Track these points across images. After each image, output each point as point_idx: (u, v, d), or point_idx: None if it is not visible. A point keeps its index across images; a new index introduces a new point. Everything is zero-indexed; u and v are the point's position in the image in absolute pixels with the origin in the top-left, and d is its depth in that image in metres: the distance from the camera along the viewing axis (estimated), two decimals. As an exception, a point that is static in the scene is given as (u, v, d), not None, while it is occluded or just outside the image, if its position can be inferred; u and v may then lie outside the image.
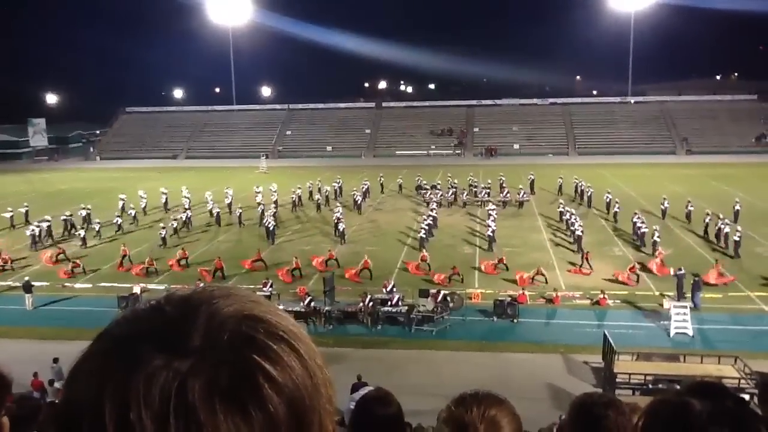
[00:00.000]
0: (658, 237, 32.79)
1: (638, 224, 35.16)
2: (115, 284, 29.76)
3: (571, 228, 35.46)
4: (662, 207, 40.72)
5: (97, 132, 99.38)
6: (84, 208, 43.33)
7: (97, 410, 0.75)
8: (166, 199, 47.20)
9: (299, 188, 48.52)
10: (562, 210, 40.03)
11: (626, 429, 2.33)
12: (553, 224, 39.98)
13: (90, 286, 30.51)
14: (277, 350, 0.82)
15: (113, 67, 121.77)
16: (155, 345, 0.78)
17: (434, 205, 43.21)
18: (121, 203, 45.74)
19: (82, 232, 38.18)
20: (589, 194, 45.99)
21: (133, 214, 43.28)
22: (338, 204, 44.41)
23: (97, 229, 39.12)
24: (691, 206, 39.60)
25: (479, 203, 46.47)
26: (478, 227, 39.12)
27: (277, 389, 0.79)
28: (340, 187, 51.46)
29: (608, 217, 40.99)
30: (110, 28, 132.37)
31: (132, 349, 0.78)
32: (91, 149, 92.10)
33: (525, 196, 46.74)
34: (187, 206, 44.25)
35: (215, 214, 42.51)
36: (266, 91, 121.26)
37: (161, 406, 0.74)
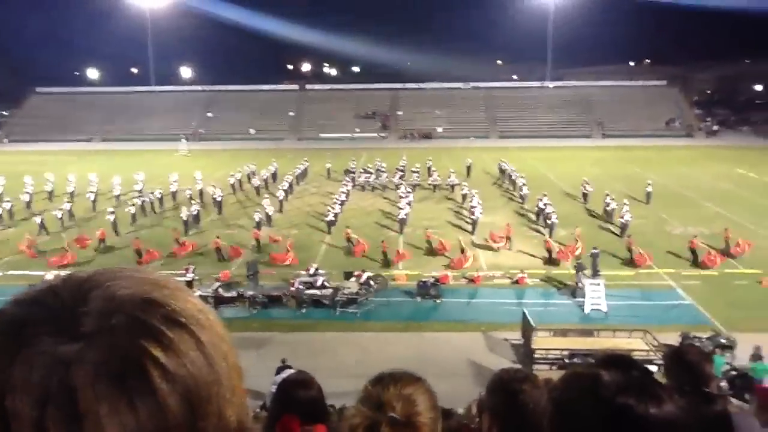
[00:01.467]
0: (555, 219, 33.84)
1: (540, 206, 36.22)
2: (27, 272, 28.50)
3: (471, 210, 36.16)
4: (583, 190, 41.82)
5: (5, 113, 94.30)
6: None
7: None
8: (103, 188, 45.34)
9: (239, 171, 48.09)
10: (467, 192, 40.53)
11: (540, 401, 2.43)
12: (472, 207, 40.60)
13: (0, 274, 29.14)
14: (172, 337, 0.77)
15: (21, 44, 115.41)
16: (44, 329, 0.74)
17: (345, 189, 42.86)
18: (71, 188, 43.77)
19: (39, 219, 35.50)
20: (513, 178, 46.95)
21: (92, 198, 41.31)
22: (279, 188, 43.77)
23: (59, 215, 36.83)
24: (590, 187, 41.16)
25: (411, 186, 46.37)
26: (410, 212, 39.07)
27: (167, 377, 0.74)
28: (275, 172, 50.64)
29: (518, 200, 42.16)
30: (17, 1, 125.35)
31: (19, 333, 0.74)
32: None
33: (455, 179, 47.09)
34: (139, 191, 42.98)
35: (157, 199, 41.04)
36: (186, 72, 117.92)
37: (41, 393, 0.70)
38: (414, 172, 49.20)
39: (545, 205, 35.80)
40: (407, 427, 1.66)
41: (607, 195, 37.76)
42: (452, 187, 45.85)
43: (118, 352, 0.74)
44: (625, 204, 35.21)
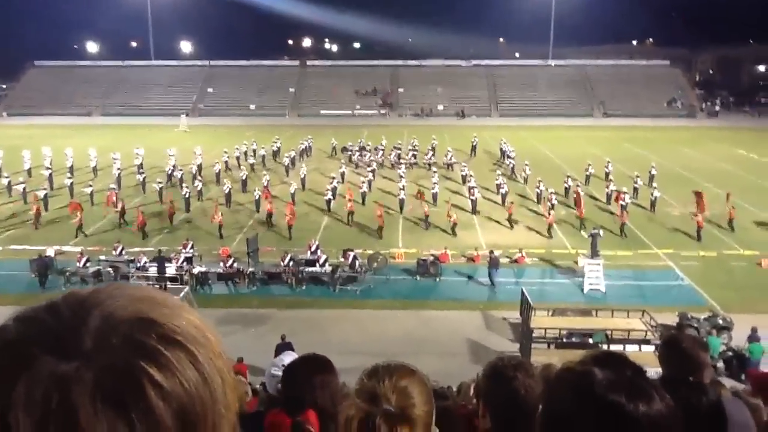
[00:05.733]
0: (556, 200, 33.56)
1: (540, 188, 36.12)
2: (27, 246, 28.57)
3: (471, 190, 35.89)
4: (586, 173, 41.31)
5: (3, 86, 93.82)
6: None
7: None
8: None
9: (246, 146, 48.45)
10: (465, 174, 40.27)
11: (533, 390, 2.48)
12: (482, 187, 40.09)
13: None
14: (168, 356, 0.79)
15: (19, 17, 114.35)
16: (45, 347, 0.76)
17: (343, 169, 42.34)
18: (70, 161, 43.08)
19: (21, 187, 36.57)
20: (509, 160, 46.53)
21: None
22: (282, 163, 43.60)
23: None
24: (592, 169, 41.08)
25: (408, 165, 45.92)
26: (407, 189, 38.38)
27: (163, 396, 0.77)
28: (279, 148, 50.34)
29: (520, 181, 41.85)
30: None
31: (20, 351, 0.77)
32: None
33: (452, 158, 46.77)
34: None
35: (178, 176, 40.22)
36: (186, 46, 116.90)
37: (42, 410, 0.72)
38: (411, 150, 48.81)
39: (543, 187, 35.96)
40: (402, 419, 1.68)
41: (611, 181, 37.57)
42: (449, 165, 45.61)
43: (116, 372, 0.76)
44: (630, 188, 35.36)
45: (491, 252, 25.77)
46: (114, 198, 33.36)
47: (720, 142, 59.18)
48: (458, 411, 4.30)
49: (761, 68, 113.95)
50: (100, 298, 0.84)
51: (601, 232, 27.74)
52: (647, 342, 18.12)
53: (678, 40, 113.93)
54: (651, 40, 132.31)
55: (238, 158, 46.77)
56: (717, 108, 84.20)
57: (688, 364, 2.94)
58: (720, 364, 18.01)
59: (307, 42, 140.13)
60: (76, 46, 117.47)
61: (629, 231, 31.10)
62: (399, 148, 49.50)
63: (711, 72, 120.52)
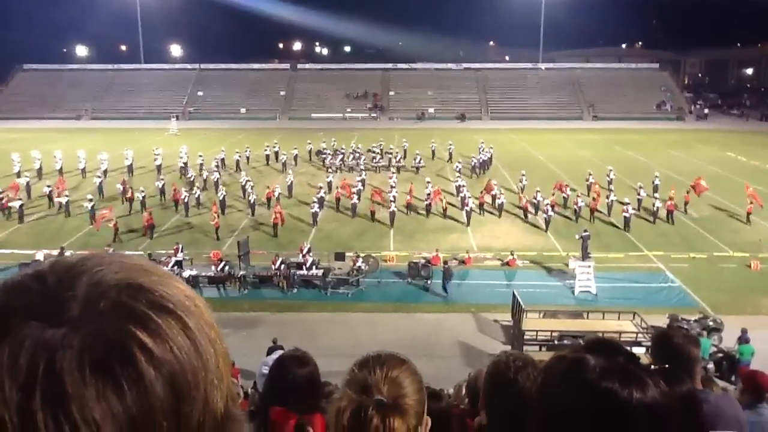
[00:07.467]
0: (552, 212, 32.80)
1: (537, 198, 34.93)
2: (15, 251, 28.37)
3: (465, 201, 34.53)
4: (587, 182, 39.60)
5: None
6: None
7: None
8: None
9: (223, 152, 48.20)
10: (459, 184, 38.62)
11: (517, 380, 2.49)
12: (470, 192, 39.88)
13: (-13, 253, 29.02)
14: (159, 322, 0.77)
15: (8, 20, 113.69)
16: (30, 314, 0.75)
17: (330, 178, 41.29)
18: (59, 163, 43.30)
19: (17, 204, 33.99)
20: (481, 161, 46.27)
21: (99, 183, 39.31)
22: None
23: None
24: (592, 178, 39.44)
25: (376, 169, 46.25)
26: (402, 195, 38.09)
27: (154, 363, 0.74)
28: (276, 152, 49.85)
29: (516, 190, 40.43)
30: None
31: (6, 319, 0.75)
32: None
33: (421, 162, 46.53)
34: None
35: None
36: (176, 49, 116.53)
37: (27, 377, 0.70)
38: (387, 153, 48.65)
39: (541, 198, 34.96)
40: (394, 409, 1.68)
41: (611, 191, 37.07)
42: (417, 169, 45.55)
43: (104, 337, 0.74)
44: (633, 198, 35.10)
45: (445, 263, 25.40)
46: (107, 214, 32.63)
47: (709, 145, 59.51)
48: (451, 411, 4.30)
49: (748, 71, 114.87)
50: (87, 266, 0.82)
51: (590, 234, 27.89)
52: (638, 344, 18.13)
53: (666, 44, 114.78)
54: (640, 43, 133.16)
55: (237, 160, 46.80)
56: (706, 111, 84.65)
57: (679, 358, 2.94)
58: (710, 366, 18.08)
59: (297, 45, 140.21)
60: (65, 50, 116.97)
61: (622, 235, 31.25)
62: (374, 151, 49.31)
63: (699, 75, 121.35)
